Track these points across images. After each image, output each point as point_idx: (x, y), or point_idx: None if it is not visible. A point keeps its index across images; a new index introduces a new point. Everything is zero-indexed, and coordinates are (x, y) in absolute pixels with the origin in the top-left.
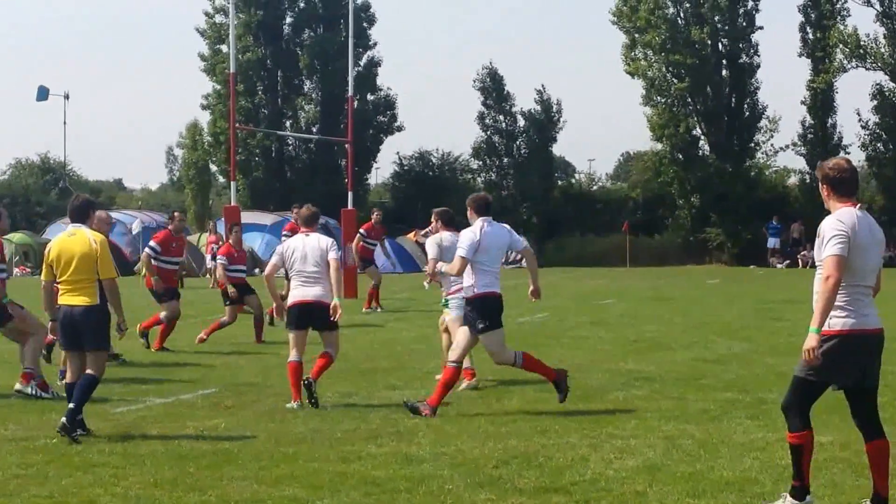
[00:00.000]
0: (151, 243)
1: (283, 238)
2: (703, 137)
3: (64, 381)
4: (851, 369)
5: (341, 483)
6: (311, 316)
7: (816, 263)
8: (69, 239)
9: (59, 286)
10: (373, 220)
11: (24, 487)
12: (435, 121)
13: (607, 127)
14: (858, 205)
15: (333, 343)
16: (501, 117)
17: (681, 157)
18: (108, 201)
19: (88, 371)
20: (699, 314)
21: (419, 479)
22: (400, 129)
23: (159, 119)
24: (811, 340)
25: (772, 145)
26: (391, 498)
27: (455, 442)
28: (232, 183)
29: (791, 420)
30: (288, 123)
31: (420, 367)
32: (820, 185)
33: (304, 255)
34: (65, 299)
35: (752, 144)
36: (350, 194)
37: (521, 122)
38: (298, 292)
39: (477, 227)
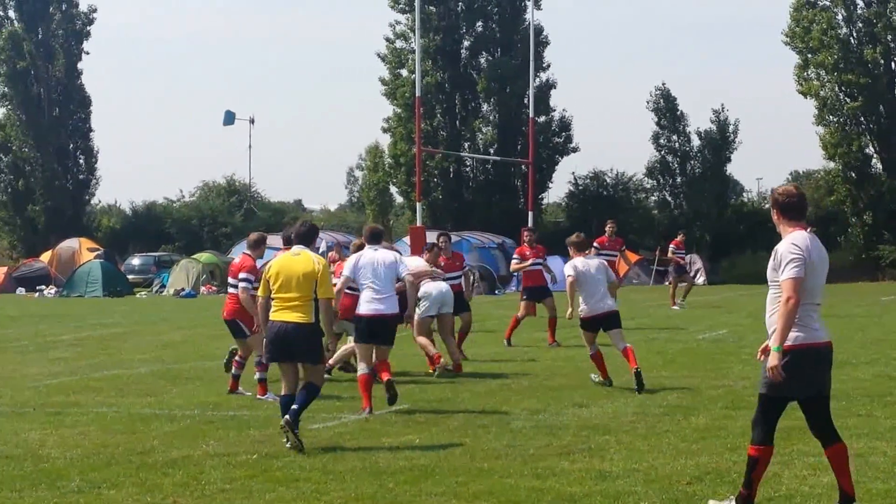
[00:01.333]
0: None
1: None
2: (875, 156)
3: (278, 396)
4: (807, 381)
5: (538, 499)
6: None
7: (770, 283)
8: (293, 259)
9: (272, 302)
10: (607, 233)
11: (231, 502)
12: (609, 141)
13: (776, 146)
14: (809, 228)
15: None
16: (675, 137)
17: (853, 175)
18: (289, 222)
19: (311, 381)
20: (876, 331)
21: (614, 496)
22: (575, 150)
23: (340, 142)
24: (773, 359)
25: None
26: None
27: (647, 458)
28: (418, 204)
29: (754, 433)
30: (466, 145)
31: (595, 384)
32: (771, 209)
33: (374, 270)
34: (279, 315)
35: None
36: (530, 214)
37: (696, 141)
38: (371, 306)
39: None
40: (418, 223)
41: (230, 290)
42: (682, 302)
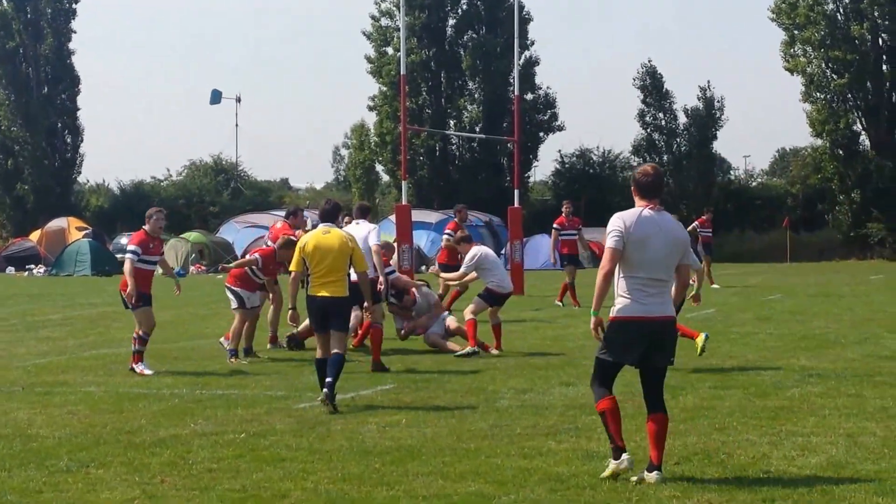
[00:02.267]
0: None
1: (446, 237)
2: (863, 133)
3: (315, 358)
4: (629, 350)
5: (525, 479)
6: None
7: None
8: (325, 236)
9: (310, 278)
10: (564, 213)
11: (218, 481)
12: (595, 119)
13: (762, 123)
14: (654, 206)
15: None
16: (661, 115)
17: (841, 152)
18: (276, 200)
19: (335, 351)
20: (865, 310)
21: (601, 476)
22: (561, 128)
23: (325, 120)
24: (591, 322)
25: None
26: (576, 494)
27: (634, 438)
28: (404, 183)
29: (595, 392)
30: (451, 123)
31: (592, 363)
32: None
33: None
34: (317, 290)
35: None
36: (517, 192)
37: (682, 119)
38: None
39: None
40: (404, 201)
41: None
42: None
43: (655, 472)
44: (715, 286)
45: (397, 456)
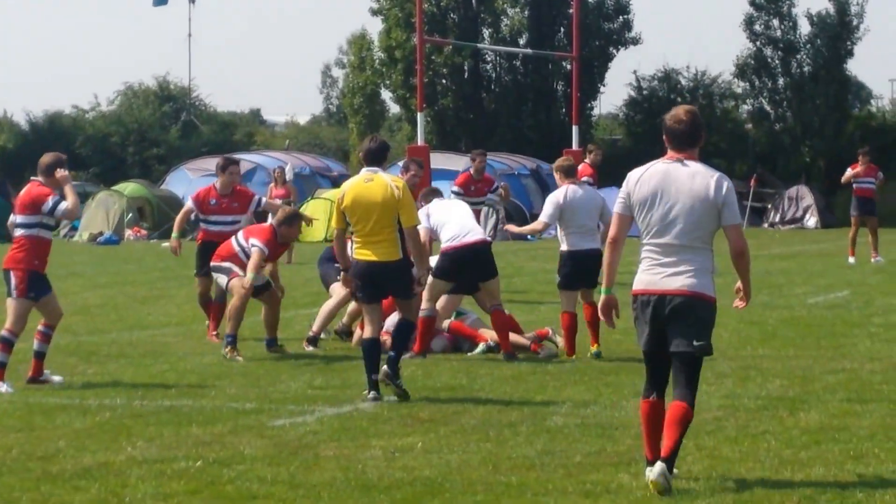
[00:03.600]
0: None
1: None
2: None
3: (360, 338)
4: (642, 332)
5: None
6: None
7: None
8: (367, 185)
9: (354, 238)
10: (589, 161)
11: None
12: (684, 28)
13: None
14: (685, 156)
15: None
16: (777, 22)
17: None
18: (245, 139)
19: (403, 317)
20: None
21: None
22: (636, 41)
23: (313, 30)
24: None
25: None
26: None
27: (737, 470)
28: (420, 115)
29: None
30: (486, 33)
31: None
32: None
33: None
34: (363, 253)
35: None
36: (575, 129)
37: (805, 28)
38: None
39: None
40: (420, 142)
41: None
42: (878, 256)
43: (658, 463)
44: (851, 260)
45: (411, 492)
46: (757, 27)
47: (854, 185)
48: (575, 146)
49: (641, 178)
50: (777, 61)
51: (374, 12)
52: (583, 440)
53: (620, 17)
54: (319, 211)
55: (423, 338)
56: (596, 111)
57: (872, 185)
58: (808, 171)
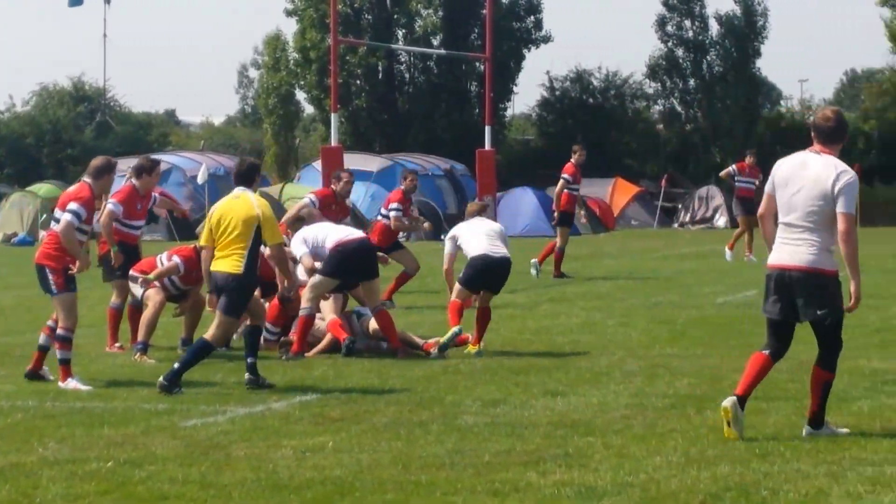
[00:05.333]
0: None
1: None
2: None
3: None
4: (769, 302)
5: None
6: None
7: None
8: (233, 202)
9: (215, 251)
10: (575, 161)
11: None
12: (596, 29)
13: (825, 37)
14: (824, 150)
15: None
16: (688, 23)
17: None
18: (159, 140)
19: (203, 336)
20: None
21: None
22: (548, 39)
23: (228, 30)
24: None
25: None
26: None
27: (644, 468)
28: (333, 116)
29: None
30: (401, 34)
31: (588, 364)
32: None
33: None
34: (214, 265)
35: None
36: (488, 129)
37: (715, 29)
38: None
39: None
40: (334, 142)
41: (53, 225)
42: (751, 255)
43: (806, 426)
44: (752, 258)
45: (322, 492)
46: (669, 28)
47: (737, 186)
48: (487, 146)
49: (782, 164)
50: (688, 62)
51: (289, 13)
52: (492, 439)
53: (531, 17)
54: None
55: (300, 336)
56: (509, 111)
57: (754, 186)
58: (719, 171)
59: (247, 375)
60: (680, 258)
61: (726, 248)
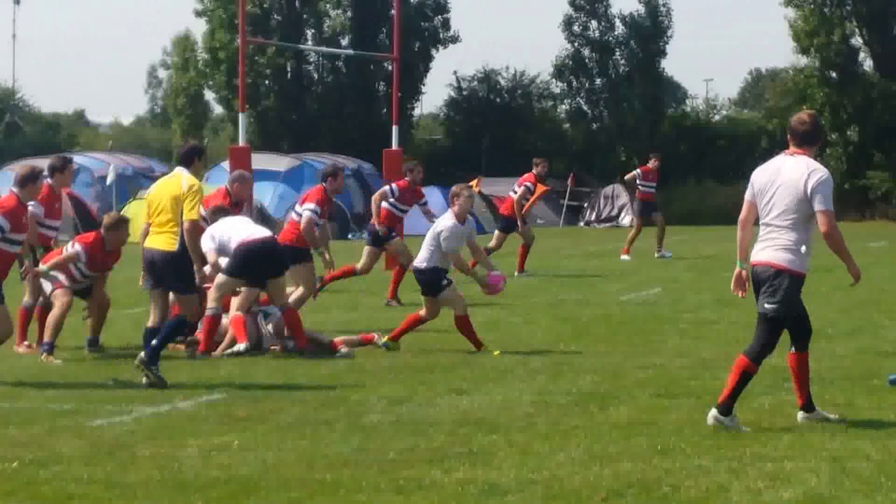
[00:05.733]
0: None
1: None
2: (864, 48)
3: (145, 326)
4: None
5: None
6: None
7: None
8: (166, 181)
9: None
10: (535, 172)
11: None
12: (504, 29)
13: (730, 36)
14: (800, 152)
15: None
16: (595, 23)
17: (834, 75)
18: (67, 140)
19: (179, 313)
20: (861, 289)
21: None
22: (455, 39)
23: (137, 30)
24: None
25: None
26: None
27: (548, 466)
28: (241, 116)
29: None
30: (309, 34)
31: (493, 362)
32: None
33: None
34: (148, 241)
35: None
36: (395, 129)
37: (621, 29)
38: None
39: None
40: (242, 142)
41: None
42: (663, 251)
43: (800, 412)
44: (663, 254)
45: (226, 491)
46: (575, 28)
47: (640, 189)
48: (394, 146)
49: (761, 172)
50: (594, 62)
51: (199, 13)
52: (397, 437)
53: (439, 17)
54: (142, 212)
55: (207, 336)
56: (417, 111)
57: (654, 190)
58: (624, 169)
59: (143, 355)
60: (585, 256)
61: (622, 254)
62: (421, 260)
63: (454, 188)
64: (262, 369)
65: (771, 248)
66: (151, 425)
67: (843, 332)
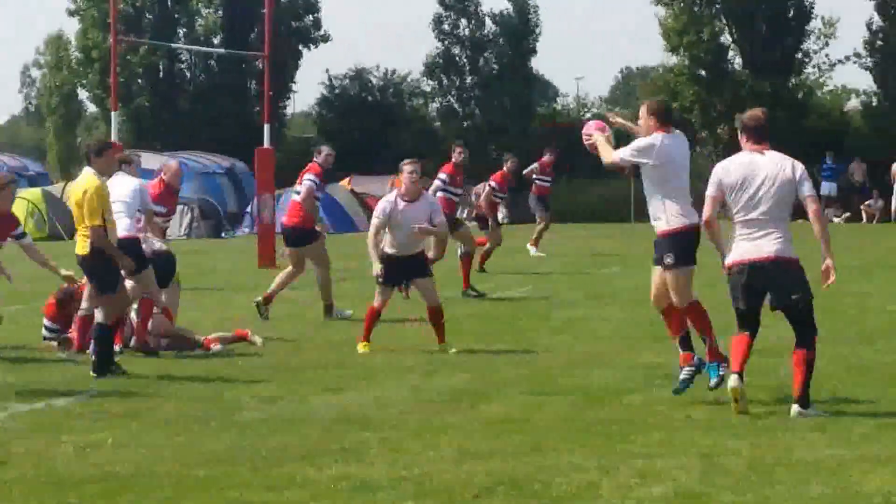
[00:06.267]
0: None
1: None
2: (733, 47)
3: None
4: (743, 296)
5: None
6: None
7: None
8: (74, 184)
9: None
10: (505, 170)
11: None
12: (374, 28)
13: (601, 36)
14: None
15: None
16: (464, 22)
17: (704, 73)
18: None
19: (96, 319)
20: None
21: None
22: (326, 38)
23: (10, 30)
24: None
25: (826, 56)
26: None
27: (420, 463)
28: (114, 115)
29: None
30: (181, 33)
31: (365, 361)
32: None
33: None
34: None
35: (800, 56)
36: (267, 128)
37: (490, 28)
38: None
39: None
40: (114, 139)
41: None
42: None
43: (794, 405)
44: (538, 253)
45: (102, 488)
46: (445, 26)
47: (536, 183)
48: (266, 144)
49: (729, 167)
50: (465, 60)
51: (72, 13)
52: (270, 435)
53: (310, 16)
54: (16, 210)
55: (80, 334)
56: (289, 110)
57: (549, 184)
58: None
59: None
60: (455, 253)
61: (529, 246)
62: None
63: None
64: (138, 366)
65: (776, 242)
66: (26, 421)
67: (716, 328)
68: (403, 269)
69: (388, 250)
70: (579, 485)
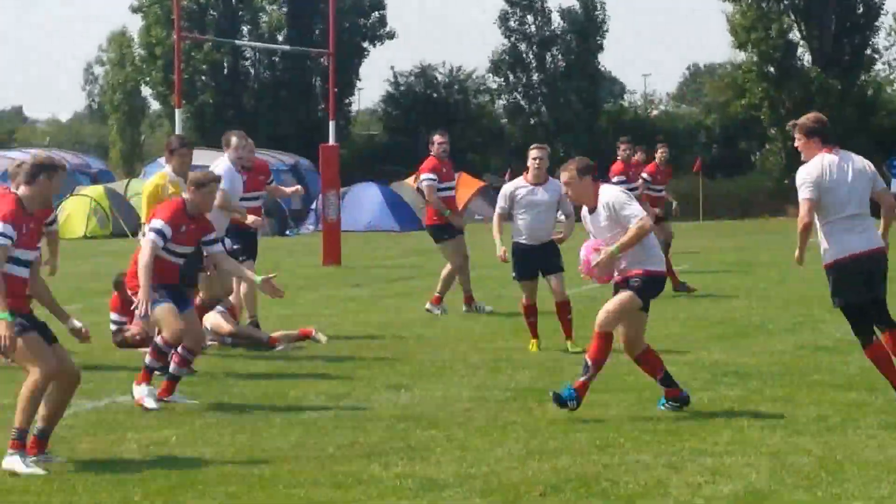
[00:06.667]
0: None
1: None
2: (802, 43)
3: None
4: (860, 289)
5: None
6: None
7: None
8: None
9: None
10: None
11: None
12: (440, 25)
13: (668, 32)
14: (823, 150)
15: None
16: (531, 18)
17: (772, 70)
18: (5, 137)
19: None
20: (802, 285)
21: None
22: (392, 35)
23: (73, 27)
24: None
25: None
26: None
27: (486, 461)
28: (178, 112)
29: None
30: (245, 31)
31: (432, 357)
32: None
33: None
34: None
35: (869, 52)
36: (332, 124)
37: (558, 24)
38: None
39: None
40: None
41: None
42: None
43: None
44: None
45: (166, 485)
46: (512, 23)
47: (647, 194)
48: (332, 141)
49: (822, 170)
50: (531, 56)
51: (135, 10)
52: (335, 432)
53: (376, 13)
54: (79, 207)
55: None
56: (354, 107)
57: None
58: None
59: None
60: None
61: None
62: None
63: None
64: (199, 363)
65: (874, 234)
66: (91, 420)
67: (783, 328)
68: (536, 261)
69: (519, 240)
70: (647, 483)
